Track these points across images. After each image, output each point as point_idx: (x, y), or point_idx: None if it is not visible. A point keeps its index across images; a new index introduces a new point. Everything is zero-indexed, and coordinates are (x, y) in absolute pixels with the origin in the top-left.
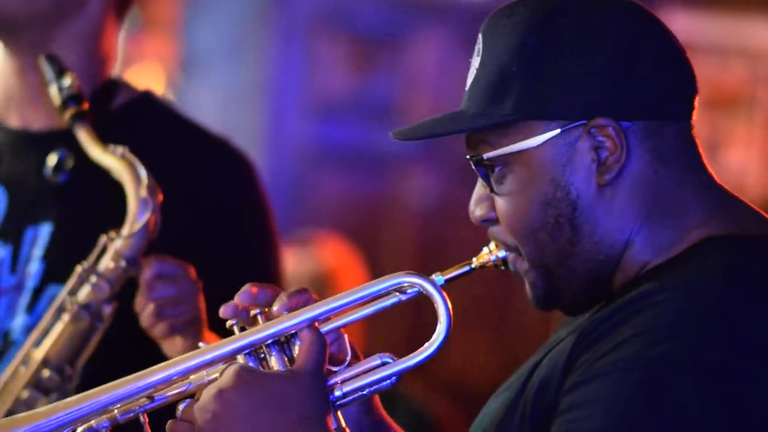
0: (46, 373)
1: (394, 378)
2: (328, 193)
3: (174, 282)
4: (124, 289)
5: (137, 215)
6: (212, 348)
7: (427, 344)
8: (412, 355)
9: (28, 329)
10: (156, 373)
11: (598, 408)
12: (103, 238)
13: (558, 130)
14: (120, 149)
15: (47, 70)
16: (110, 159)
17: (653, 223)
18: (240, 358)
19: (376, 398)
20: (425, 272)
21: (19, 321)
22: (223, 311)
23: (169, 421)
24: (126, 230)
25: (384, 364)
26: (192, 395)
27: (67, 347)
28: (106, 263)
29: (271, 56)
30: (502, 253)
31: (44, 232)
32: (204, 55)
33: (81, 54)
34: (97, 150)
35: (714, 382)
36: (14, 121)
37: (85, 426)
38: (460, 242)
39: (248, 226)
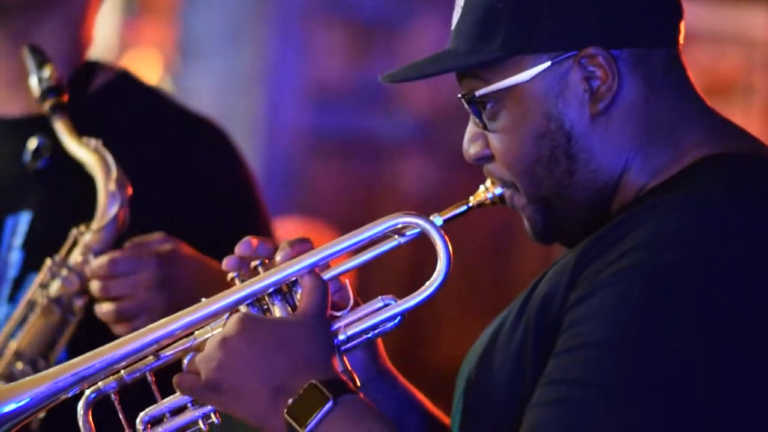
0: (19, 365)
1: (398, 318)
2: (325, 179)
3: (131, 277)
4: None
5: (106, 209)
6: (214, 300)
7: (427, 284)
8: (413, 295)
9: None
10: (159, 329)
11: (603, 319)
12: (73, 231)
13: (548, 63)
14: (93, 142)
15: (29, 61)
16: (84, 152)
17: (649, 148)
18: (243, 308)
19: (382, 348)
20: (422, 257)
21: (1, 311)
22: (226, 264)
23: (176, 375)
24: (95, 224)
25: (386, 305)
26: (197, 350)
27: (39, 340)
28: (76, 257)
29: (268, 43)
30: (498, 191)
31: (23, 220)
32: (201, 41)
33: (64, 40)
34: (73, 142)
35: (717, 291)
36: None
37: (93, 388)
38: (457, 228)
39: (234, 200)
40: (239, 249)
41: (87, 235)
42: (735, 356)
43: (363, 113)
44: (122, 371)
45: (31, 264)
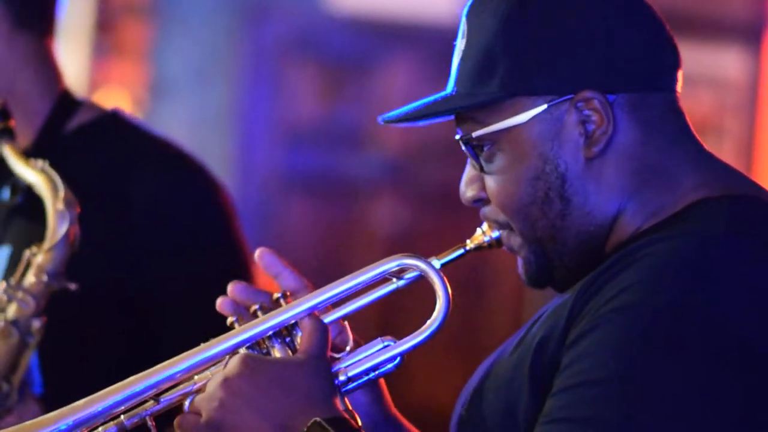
0: None
1: (397, 359)
2: (297, 219)
3: None
4: (54, 302)
5: (56, 228)
6: (215, 343)
7: (426, 324)
8: (412, 335)
9: None
10: (159, 373)
11: (604, 356)
12: (26, 253)
13: (545, 106)
14: (40, 162)
15: None
16: (32, 173)
17: (644, 192)
18: (243, 351)
19: (387, 393)
20: (395, 298)
21: None
22: (220, 306)
23: (178, 416)
24: (46, 244)
25: (386, 346)
26: (198, 394)
27: (1, 364)
28: (30, 278)
29: (239, 82)
30: (495, 233)
31: (3, 254)
32: (173, 80)
33: (6, 79)
34: (21, 165)
35: (719, 330)
36: None
37: None
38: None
39: (212, 239)
40: (233, 291)
41: (39, 256)
42: (735, 389)
43: (335, 153)
44: (122, 416)
45: None
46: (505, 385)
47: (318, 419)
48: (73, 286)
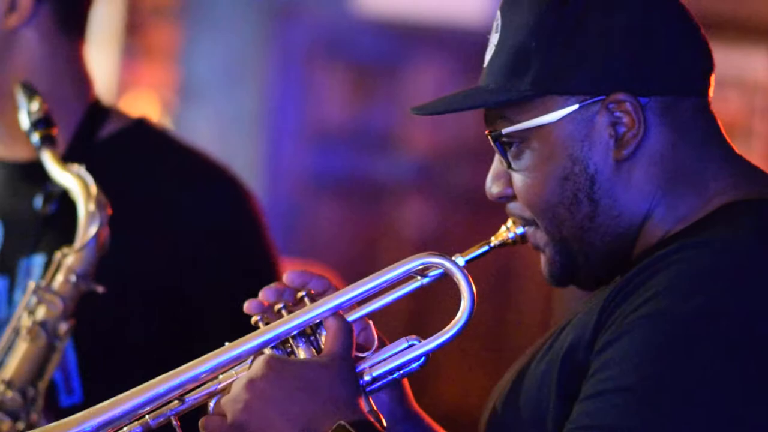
0: (9, 394)
1: (422, 359)
2: (325, 221)
3: None
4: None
5: (86, 229)
6: (239, 343)
7: (451, 323)
8: (437, 335)
9: None
10: (184, 373)
11: (631, 364)
12: (57, 255)
13: (576, 106)
14: (76, 167)
15: (20, 97)
16: (70, 177)
17: (673, 195)
18: (267, 351)
19: (409, 390)
20: (422, 300)
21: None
22: (248, 307)
23: (202, 418)
24: (76, 245)
25: (411, 346)
26: (222, 394)
27: (27, 368)
28: (59, 280)
29: (269, 84)
30: (520, 230)
31: (37, 263)
32: (202, 82)
33: (44, 83)
34: (60, 170)
35: (748, 337)
36: (10, 155)
37: None
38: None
39: (242, 248)
40: (264, 295)
41: (69, 258)
42: (764, 397)
43: (363, 155)
44: (147, 416)
45: None
46: (534, 390)
47: (342, 422)
48: (100, 289)
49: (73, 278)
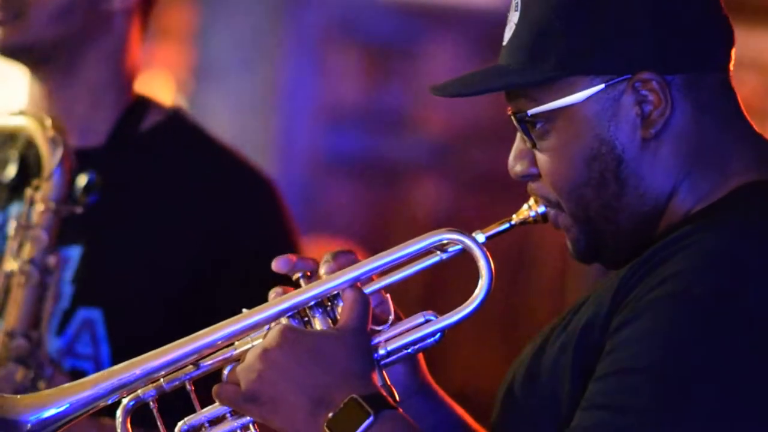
0: (14, 343)
1: (438, 335)
2: (339, 201)
3: None
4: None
5: (51, 156)
6: (256, 311)
7: (469, 300)
8: (454, 311)
9: (59, 351)
10: (200, 339)
11: (644, 345)
12: (28, 193)
13: (602, 85)
14: (19, 109)
15: None
16: (17, 119)
17: (696, 173)
18: (284, 320)
19: (423, 363)
20: (437, 280)
21: (51, 343)
22: (276, 265)
23: (216, 386)
24: (44, 173)
25: (427, 321)
26: (237, 361)
27: (26, 311)
28: (36, 211)
29: (283, 65)
30: (541, 209)
31: (74, 254)
32: (217, 63)
33: (110, 71)
34: (5, 119)
35: (762, 320)
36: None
37: (131, 396)
38: (465, 277)
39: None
40: (276, 265)
41: (40, 190)
42: None
43: (378, 135)
44: (162, 380)
45: (80, 297)
46: (550, 369)
47: (355, 396)
48: (79, 210)
49: (52, 205)
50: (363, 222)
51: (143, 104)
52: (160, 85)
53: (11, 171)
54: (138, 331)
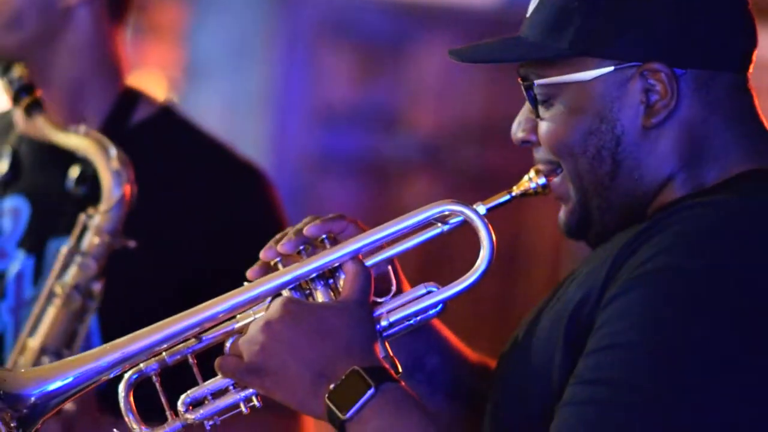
0: (45, 360)
1: (440, 306)
2: (332, 200)
3: None
4: (114, 268)
5: (112, 188)
6: (257, 284)
7: (470, 271)
8: (456, 282)
9: None
10: (202, 311)
11: (633, 320)
12: (81, 217)
13: (611, 68)
14: (83, 128)
15: None
16: (75, 139)
17: (696, 166)
18: (285, 293)
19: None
20: (430, 280)
21: None
22: (264, 254)
23: (218, 358)
24: (104, 205)
25: (429, 292)
26: (239, 334)
27: (62, 331)
28: (89, 240)
29: (275, 64)
30: (542, 180)
31: (66, 244)
32: (208, 62)
33: (88, 63)
34: (60, 134)
35: (749, 295)
36: (32, 130)
37: (134, 369)
38: (465, 250)
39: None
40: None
41: (96, 217)
42: (764, 353)
43: (370, 134)
44: (164, 353)
45: None
46: (541, 344)
47: (356, 368)
48: (132, 244)
49: (106, 237)
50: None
51: (133, 97)
52: (151, 83)
53: (3, 166)
54: (132, 325)
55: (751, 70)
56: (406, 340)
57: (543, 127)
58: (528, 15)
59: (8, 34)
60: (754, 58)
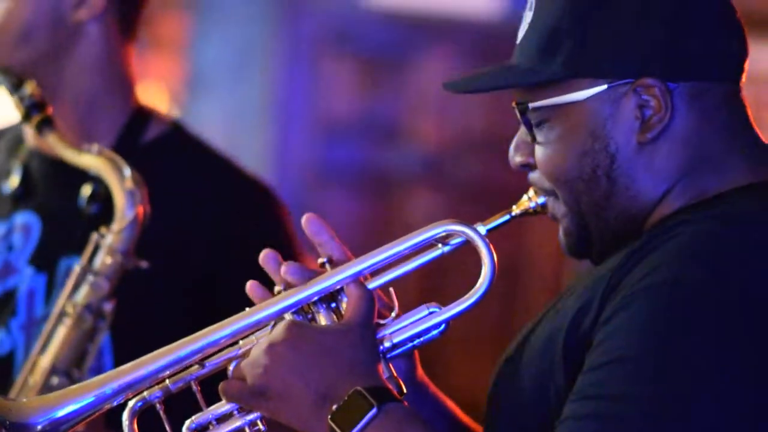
0: (55, 380)
1: (442, 326)
2: (333, 213)
3: None
4: (125, 286)
5: (125, 209)
6: (260, 308)
7: (472, 291)
8: (458, 302)
9: None
10: (205, 336)
11: (634, 334)
12: (93, 236)
13: (605, 86)
14: (96, 147)
15: (5, 84)
16: (88, 158)
17: (692, 178)
18: (288, 316)
19: (417, 360)
20: (430, 297)
21: None
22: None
23: (222, 382)
24: (117, 225)
25: (431, 313)
26: (243, 359)
27: (72, 351)
28: (102, 260)
29: (276, 76)
30: (541, 200)
31: (77, 263)
32: (210, 74)
33: (99, 78)
34: (72, 152)
35: (748, 309)
36: (45, 147)
37: (138, 397)
38: (464, 263)
39: (271, 238)
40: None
41: (109, 237)
42: (764, 367)
43: (372, 146)
44: (167, 380)
45: None
46: (537, 358)
47: (359, 388)
48: (145, 264)
49: (119, 257)
50: (356, 232)
51: (145, 115)
52: (153, 95)
53: (14, 181)
54: (142, 342)
55: (743, 80)
56: (419, 408)
57: (539, 152)
58: (518, 41)
59: (18, 49)
60: (746, 68)
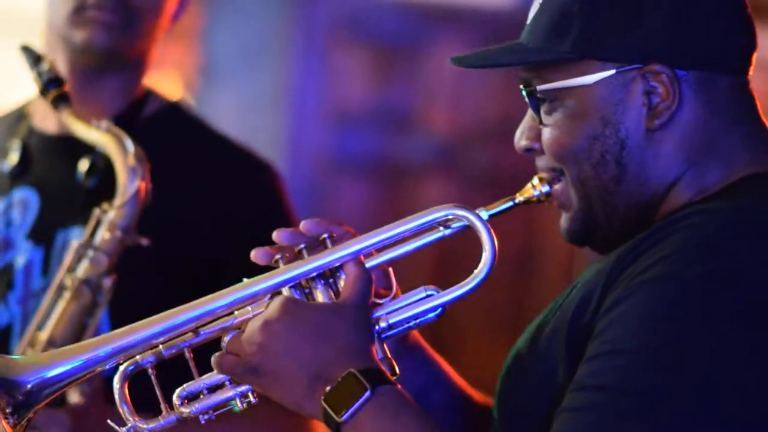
0: None
1: (439, 310)
2: (346, 201)
3: None
4: (123, 261)
5: (127, 184)
6: (257, 281)
7: (471, 276)
8: (456, 286)
9: None
10: (200, 306)
11: (633, 326)
12: (96, 212)
13: (613, 71)
14: (104, 123)
15: (25, 60)
16: (96, 133)
17: (700, 167)
18: (285, 291)
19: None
20: (442, 282)
21: None
22: (255, 255)
23: (215, 354)
24: (118, 200)
25: (429, 296)
26: (237, 329)
27: (71, 325)
28: (102, 235)
29: (290, 64)
30: (545, 188)
31: (75, 235)
32: (224, 62)
33: (132, 80)
34: (84, 127)
35: (751, 301)
36: (51, 127)
37: (130, 361)
38: (478, 251)
39: (269, 216)
40: (278, 237)
41: (111, 213)
42: (765, 360)
43: (385, 135)
44: (160, 346)
45: None
46: (543, 351)
47: (353, 370)
48: (145, 241)
49: (118, 233)
50: (370, 221)
51: (145, 93)
52: (167, 84)
53: (13, 158)
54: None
55: (751, 71)
56: (412, 375)
57: (546, 133)
58: (528, 22)
59: (151, 39)
60: (754, 59)
